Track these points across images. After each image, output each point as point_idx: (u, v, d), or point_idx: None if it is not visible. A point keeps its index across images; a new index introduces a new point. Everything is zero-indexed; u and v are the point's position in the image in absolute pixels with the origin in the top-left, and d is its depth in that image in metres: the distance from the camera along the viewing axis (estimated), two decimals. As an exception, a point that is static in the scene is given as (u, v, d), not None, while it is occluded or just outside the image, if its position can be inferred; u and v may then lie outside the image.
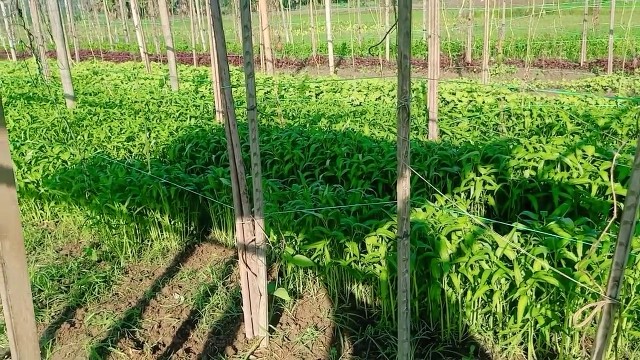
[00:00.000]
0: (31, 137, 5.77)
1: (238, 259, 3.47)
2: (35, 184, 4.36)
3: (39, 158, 4.64)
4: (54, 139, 5.90)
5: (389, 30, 1.81)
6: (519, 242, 2.56)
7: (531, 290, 2.34)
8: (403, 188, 1.99)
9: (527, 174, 3.59)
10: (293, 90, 9.34)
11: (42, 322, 2.97)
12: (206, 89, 9.88)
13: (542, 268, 2.29)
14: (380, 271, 2.75)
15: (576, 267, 2.25)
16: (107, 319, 2.95)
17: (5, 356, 2.69)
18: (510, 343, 2.46)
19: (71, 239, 4.08)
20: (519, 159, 3.68)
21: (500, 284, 2.44)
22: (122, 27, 26.23)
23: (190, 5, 17.35)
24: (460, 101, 7.60)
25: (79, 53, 19.50)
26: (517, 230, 2.58)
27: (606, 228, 1.53)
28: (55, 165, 4.53)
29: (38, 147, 4.92)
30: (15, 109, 7.08)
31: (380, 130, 5.58)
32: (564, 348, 2.35)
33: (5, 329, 2.87)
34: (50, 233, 4.18)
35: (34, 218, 4.50)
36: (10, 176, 1.56)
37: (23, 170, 4.45)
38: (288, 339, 2.71)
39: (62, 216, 4.33)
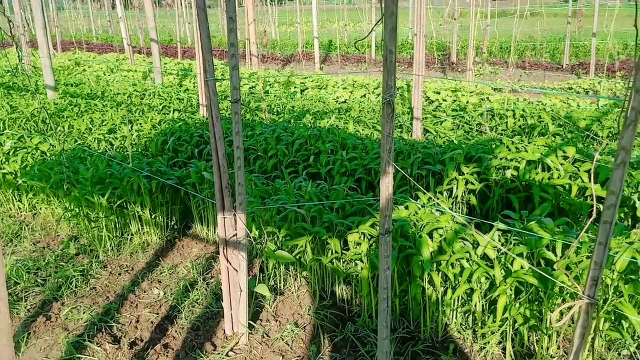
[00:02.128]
0: (10, 128, 5.66)
1: (219, 254, 3.44)
2: (13, 175, 4.27)
3: (18, 148, 4.56)
4: (33, 129, 5.79)
5: (375, 24, 1.80)
6: (499, 241, 2.58)
7: (510, 290, 2.35)
8: (386, 184, 1.98)
9: (508, 173, 3.61)
10: (278, 85, 9.30)
11: (17, 315, 2.91)
12: (190, 82, 9.79)
13: (522, 267, 2.31)
14: (362, 268, 2.75)
15: (555, 266, 2.26)
16: (84, 313, 2.91)
17: (-22, 350, 2.63)
18: (489, 342, 2.48)
19: (49, 231, 4.01)
20: (501, 159, 3.70)
21: (480, 282, 2.45)
22: (105, 18, 25.89)
23: (175, -3, 17.17)
24: (444, 100, 7.64)
25: (61, 44, 19.20)
26: (498, 230, 2.59)
27: (585, 227, 1.54)
28: (34, 156, 4.44)
29: (17, 137, 4.82)
30: (-7, 99, 6.94)
31: (364, 127, 5.58)
32: (542, 347, 2.37)
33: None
34: (27, 225, 4.11)
35: (11, 210, 4.41)
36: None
37: (1, 161, 4.36)
38: (268, 336, 2.70)
39: (40, 208, 4.26)
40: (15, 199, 4.42)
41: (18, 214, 4.37)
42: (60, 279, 3.26)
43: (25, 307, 2.99)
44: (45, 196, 4.16)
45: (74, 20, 27.25)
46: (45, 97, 7.38)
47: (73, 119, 5.79)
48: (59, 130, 5.51)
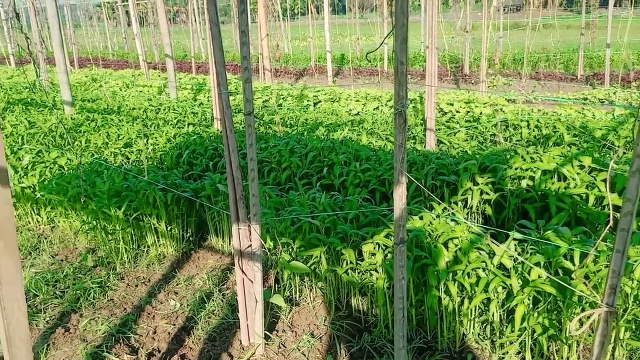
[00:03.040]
0: (29, 143, 5.76)
1: (234, 265, 3.46)
2: (31, 189, 4.34)
3: (36, 163, 4.64)
4: (51, 144, 5.89)
5: (387, 36, 1.82)
6: (516, 250, 2.56)
7: (528, 299, 2.33)
8: (399, 194, 1.99)
9: (524, 183, 3.59)
10: (291, 99, 9.37)
11: (36, 326, 2.95)
12: (204, 96, 9.90)
13: (539, 276, 2.29)
14: (377, 279, 2.74)
15: (573, 275, 2.24)
16: (102, 324, 2.93)
17: (-2, 361, 2.67)
18: (507, 352, 2.45)
19: (67, 244, 4.06)
20: (516, 169, 3.68)
21: (497, 292, 2.44)
22: (121, 35, 26.31)
23: (189, 14, 17.43)
24: (457, 112, 7.63)
25: (77, 60, 19.54)
26: (514, 239, 2.58)
27: (602, 235, 1.53)
28: (52, 170, 4.52)
29: (35, 152, 4.91)
30: (13, 115, 7.08)
31: (378, 139, 5.60)
32: (562, 357, 2.34)
33: None
34: (46, 238, 4.16)
35: (29, 223, 4.48)
36: (4, 176, 1.56)
37: (20, 175, 4.43)
38: (284, 346, 2.70)
39: (58, 221, 4.32)
40: (34, 212, 4.48)
41: (37, 227, 4.43)
42: (78, 291, 3.30)
43: (44, 319, 3.02)
44: (63, 209, 4.21)
45: (91, 37, 27.73)
46: (62, 112, 7.50)
47: (90, 134, 5.88)
48: (77, 145, 5.59)
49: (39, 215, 4.47)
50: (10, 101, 8.64)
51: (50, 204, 4.30)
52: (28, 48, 3.86)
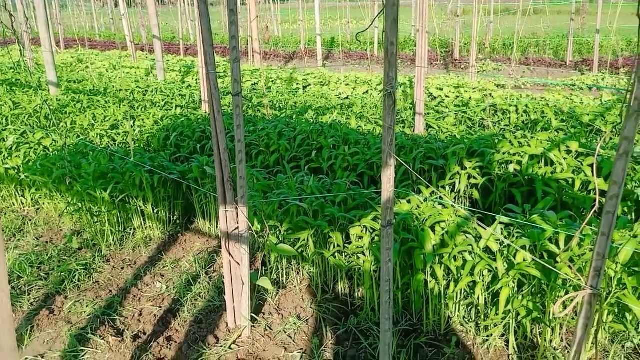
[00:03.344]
0: (13, 124, 5.66)
1: (221, 248, 3.45)
2: (15, 170, 4.28)
3: (20, 144, 4.56)
4: (36, 125, 5.80)
5: (377, 16, 1.80)
6: (502, 234, 2.57)
7: (513, 282, 2.35)
8: (388, 177, 1.98)
9: (511, 168, 3.60)
10: (281, 82, 9.30)
11: (20, 309, 2.92)
12: (193, 79, 9.80)
13: (525, 260, 2.30)
14: (364, 261, 2.74)
15: (558, 258, 2.26)
16: (87, 306, 2.91)
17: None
18: (491, 335, 2.47)
19: (52, 226, 4.02)
20: (504, 154, 3.69)
21: (483, 275, 2.45)
22: (108, 16, 25.90)
23: (178, -6, 17.17)
24: (447, 96, 7.62)
25: (64, 41, 19.22)
26: (501, 223, 2.59)
27: (587, 219, 1.54)
28: (36, 151, 4.45)
29: (20, 132, 4.83)
30: (-3, 95, 6.95)
31: (367, 123, 5.58)
32: (545, 340, 2.36)
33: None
34: (30, 220, 4.11)
35: (14, 205, 4.42)
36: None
37: (4, 156, 4.37)
38: (270, 329, 2.70)
39: (43, 203, 4.27)
40: (19, 194, 4.42)
41: (21, 208, 4.38)
42: (63, 273, 3.27)
43: (28, 301, 3.00)
44: (48, 191, 4.16)
45: (77, 17, 27.28)
46: (48, 93, 7.39)
47: (75, 115, 5.80)
48: (62, 126, 5.51)
49: (24, 197, 4.42)
50: (-6, 81, 8.48)
51: (34, 185, 4.25)
52: (12, 27, 3.78)
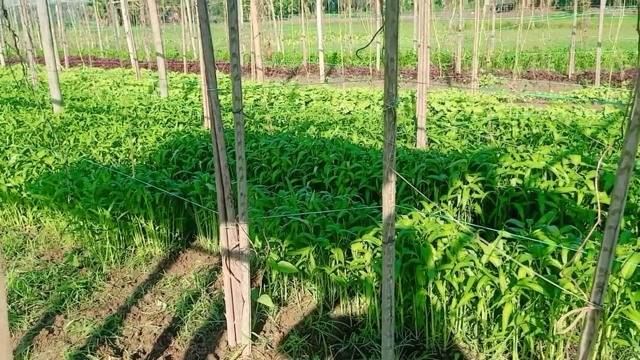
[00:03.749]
0: (16, 142, 5.69)
1: (222, 265, 3.42)
2: (17, 189, 4.29)
3: (23, 162, 4.58)
4: (39, 143, 5.83)
5: (377, 32, 1.80)
6: (504, 249, 2.55)
7: (516, 298, 2.32)
8: (389, 192, 1.97)
9: (513, 182, 3.58)
10: (283, 98, 9.33)
11: (20, 328, 2.90)
12: (195, 95, 9.85)
13: (527, 275, 2.27)
14: (366, 278, 2.72)
15: (561, 274, 2.23)
16: (86, 326, 2.89)
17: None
18: (494, 351, 2.44)
19: (53, 244, 4.01)
20: (505, 168, 3.67)
21: (485, 291, 2.42)
22: (112, 34, 26.15)
23: (181, 13, 17.34)
24: (449, 111, 7.63)
25: (68, 59, 19.40)
26: (503, 238, 2.56)
27: (589, 234, 1.52)
28: (39, 169, 4.46)
29: (22, 151, 4.85)
30: (1, 114, 7.00)
31: (368, 138, 5.57)
32: (549, 356, 2.32)
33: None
34: (31, 238, 4.11)
35: (15, 223, 4.42)
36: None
37: (6, 175, 4.38)
38: (271, 347, 2.67)
39: (45, 221, 4.26)
40: (20, 212, 4.43)
41: (22, 227, 4.38)
42: (63, 292, 3.25)
43: (28, 321, 2.98)
44: (50, 209, 4.16)
45: (82, 36, 27.56)
46: (51, 111, 7.43)
47: (79, 133, 5.82)
48: (65, 144, 5.53)
49: (25, 215, 4.42)
50: (-2, 100, 8.55)
51: (36, 203, 4.25)
52: (15, 46, 3.81)
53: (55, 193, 3.87)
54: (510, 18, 22.48)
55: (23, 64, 3.96)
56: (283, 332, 2.79)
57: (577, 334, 2.36)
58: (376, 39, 16.56)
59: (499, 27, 16.57)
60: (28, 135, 5.94)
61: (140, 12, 21.82)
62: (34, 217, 4.37)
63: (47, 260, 3.75)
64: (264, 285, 3.22)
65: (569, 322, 2.25)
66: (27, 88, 9.58)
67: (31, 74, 10.02)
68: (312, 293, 3.10)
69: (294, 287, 3.14)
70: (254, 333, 2.71)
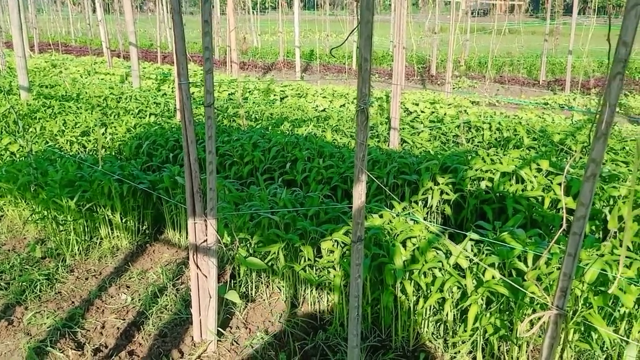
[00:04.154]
0: (-21, 127, 5.52)
1: (189, 260, 3.38)
2: (-21, 176, 4.15)
3: (-14, 149, 4.44)
4: (4, 130, 5.65)
5: (352, 32, 1.79)
6: (472, 251, 2.57)
7: (482, 299, 2.35)
8: (359, 192, 1.96)
9: (483, 185, 3.63)
10: (258, 93, 9.27)
11: (-23, 320, 2.81)
12: (169, 87, 9.70)
13: (493, 277, 2.30)
14: (334, 276, 2.72)
15: (526, 277, 2.26)
16: (47, 318, 2.82)
17: None
18: (459, 351, 2.46)
19: (15, 234, 3.89)
20: (476, 170, 3.72)
21: (452, 292, 2.44)
22: (85, 21, 25.56)
23: (157, 3, 17.06)
24: (422, 112, 7.69)
25: (38, 45, 18.90)
26: (471, 240, 2.59)
27: (554, 239, 1.54)
28: (2, 157, 4.33)
29: (-15, 137, 4.70)
30: (-36, 98, 6.77)
31: (342, 136, 5.58)
32: (512, 358, 2.36)
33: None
34: (-7, 227, 3.99)
35: (-24, 211, 4.28)
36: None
37: (-33, 161, 4.24)
38: (237, 343, 2.64)
39: (7, 210, 4.14)
40: (-18, 200, 4.29)
41: (-16, 215, 4.24)
42: (24, 283, 3.16)
43: (-14, 312, 2.89)
44: (13, 198, 4.04)
45: (53, 22, 26.88)
46: (18, 97, 7.22)
47: (46, 121, 5.67)
48: (31, 132, 5.38)
49: (-13, 204, 4.28)
50: (-38, 84, 8.27)
51: (-1, 191, 4.12)
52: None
53: (18, 181, 3.76)
54: (485, 23, 22.81)
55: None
56: (250, 329, 2.77)
57: (540, 336, 2.40)
58: (352, 37, 16.58)
59: (473, 32, 16.78)
60: (-8, 121, 5.76)
61: (114, 0, 21.42)
62: (-5, 206, 4.24)
63: (9, 250, 3.64)
64: (232, 281, 3.18)
65: (532, 325, 2.29)
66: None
67: (-2, 58, 9.73)
68: (280, 290, 3.08)
69: (262, 283, 3.12)
70: (220, 329, 2.68)
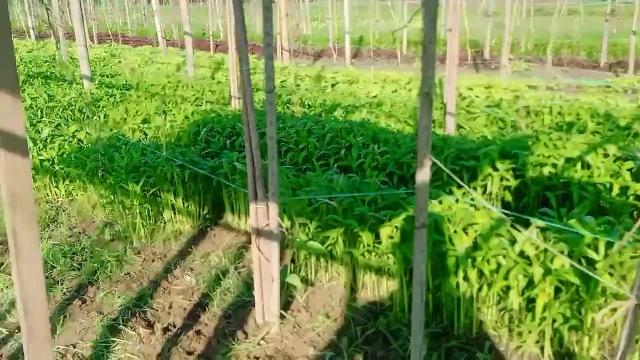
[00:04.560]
0: (48, 116, 5.78)
1: (250, 244, 3.44)
2: (50, 162, 4.36)
3: (55, 136, 4.66)
4: (70, 118, 5.91)
5: (415, 13, 1.76)
6: (537, 238, 2.51)
7: (550, 288, 2.29)
8: (423, 177, 1.94)
9: (546, 170, 3.52)
10: (309, 80, 9.29)
11: (53, 298, 2.97)
12: (222, 75, 9.86)
13: (563, 265, 2.24)
14: (394, 262, 2.71)
15: (597, 266, 2.19)
16: (118, 297, 2.95)
17: (16, 330, 2.70)
18: (525, 341, 2.42)
19: (85, 217, 4.08)
20: (538, 155, 3.61)
21: (517, 280, 2.40)
22: (140, 12, 26.27)
23: (208, -9, 17.30)
24: (477, 97, 7.51)
25: (97, 36, 19.56)
26: (537, 227, 2.52)
27: (635, 227, 1.48)
28: (70, 143, 4.53)
29: (54, 125, 4.92)
30: (32, 88, 7.10)
31: (396, 122, 5.53)
32: (582, 348, 2.30)
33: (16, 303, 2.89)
34: (64, 211, 4.19)
35: (48, 195, 4.50)
36: (24, 146, 1.54)
37: (39, 148, 4.46)
38: (299, 326, 2.69)
39: (77, 194, 4.34)
40: (53, 185, 4.51)
41: (55, 199, 4.46)
42: (95, 264, 3.32)
43: (61, 291, 3.05)
44: (82, 183, 4.23)
45: (110, 13, 27.75)
46: (81, 87, 7.52)
47: (109, 109, 5.89)
48: (95, 120, 5.60)
49: (57, 188, 4.49)
50: (30, 74, 8.68)
51: (68, 177, 4.32)
52: (48, 20, 3.85)
53: (87, 167, 3.93)
54: (542, 4, 21.93)
55: (57, 39, 4.00)
56: (310, 312, 2.81)
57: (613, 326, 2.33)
58: (405, 22, 16.32)
59: (530, 14, 16.21)
60: (59, 109, 6.02)
61: (168, -10, 21.84)
62: (66, 190, 4.45)
63: (79, 233, 3.83)
64: (292, 265, 3.23)
65: (610, 314, 2.22)
66: (58, 63, 9.69)
67: (61, 49, 10.12)
68: (339, 275, 3.11)
69: (321, 267, 3.15)
70: (282, 312, 2.73)
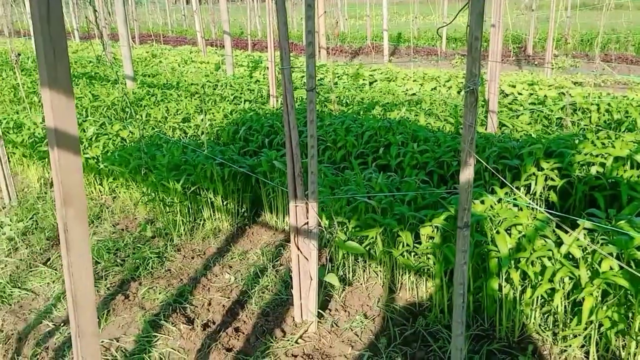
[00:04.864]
0: (92, 115, 5.95)
1: (288, 242, 3.46)
2: (95, 160, 4.48)
3: (100, 135, 4.78)
4: (113, 117, 6.06)
5: (462, 9, 1.73)
6: (585, 240, 2.43)
7: (597, 291, 2.21)
8: (466, 176, 1.90)
9: (593, 170, 3.41)
10: (347, 77, 9.26)
11: (98, 292, 3.05)
12: (260, 74, 9.94)
13: (611, 268, 2.16)
14: (434, 262, 2.67)
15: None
16: (159, 293, 3.01)
17: (62, 323, 2.78)
18: (570, 345, 2.34)
19: (127, 214, 4.18)
20: (585, 155, 3.49)
21: (563, 282, 2.32)
22: (180, 12, 26.75)
23: (247, -9, 17.47)
24: (520, 94, 7.34)
25: (139, 36, 20.02)
26: (584, 229, 2.44)
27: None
28: (114, 142, 4.64)
29: (99, 124, 5.06)
30: (77, 88, 7.32)
31: (436, 120, 5.45)
32: (629, 354, 2.21)
33: (64, 297, 2.97)
34: (107, 208, 4.30)
35: (92, 193, 4.63)
36: (76, 144, 1.58)
37: (84, 146, 4.58)
38: (337, 325, 2.68)
39: (120, 192, 4.45)
40: (97, 182, 4.63)
41: (99, 197, 4.58)
42: (137, 260, 3.39)
43: (105, 286, 3.13)
44: (125, 180, 4.33)
45: (151, 14, 28.37)
46: (124, 86, 7.70)
47: (150, 108, 6.01)
48: (138, 118, 5.73)
49: (101, 186, 4.62)
50: (75, 74, 8.95)
51: (112, 174, 4.43)
52: (96, 21, 3.96)
53: (130, 165, 4.02)
54: (588, -2, 21.25)
55: (103, 40, 4.10)
56: (348, 312, 2.80)
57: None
58: (443, 20, 16.10)
59: (575, 8, 15.72)
60: (103, 109, 6.19)
61: (208, -9, 22.17)
62: (109, 188, 4.57)
63: (122, 229, 3.92)
64: (330, 264, 3.23)
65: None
66: (103, 63, 9.96)
67: (106, 50, 10.41)
68: (377, 275, 3.08)
69: (359, 267, 3.13)
70: (320, 311, 2.72)
